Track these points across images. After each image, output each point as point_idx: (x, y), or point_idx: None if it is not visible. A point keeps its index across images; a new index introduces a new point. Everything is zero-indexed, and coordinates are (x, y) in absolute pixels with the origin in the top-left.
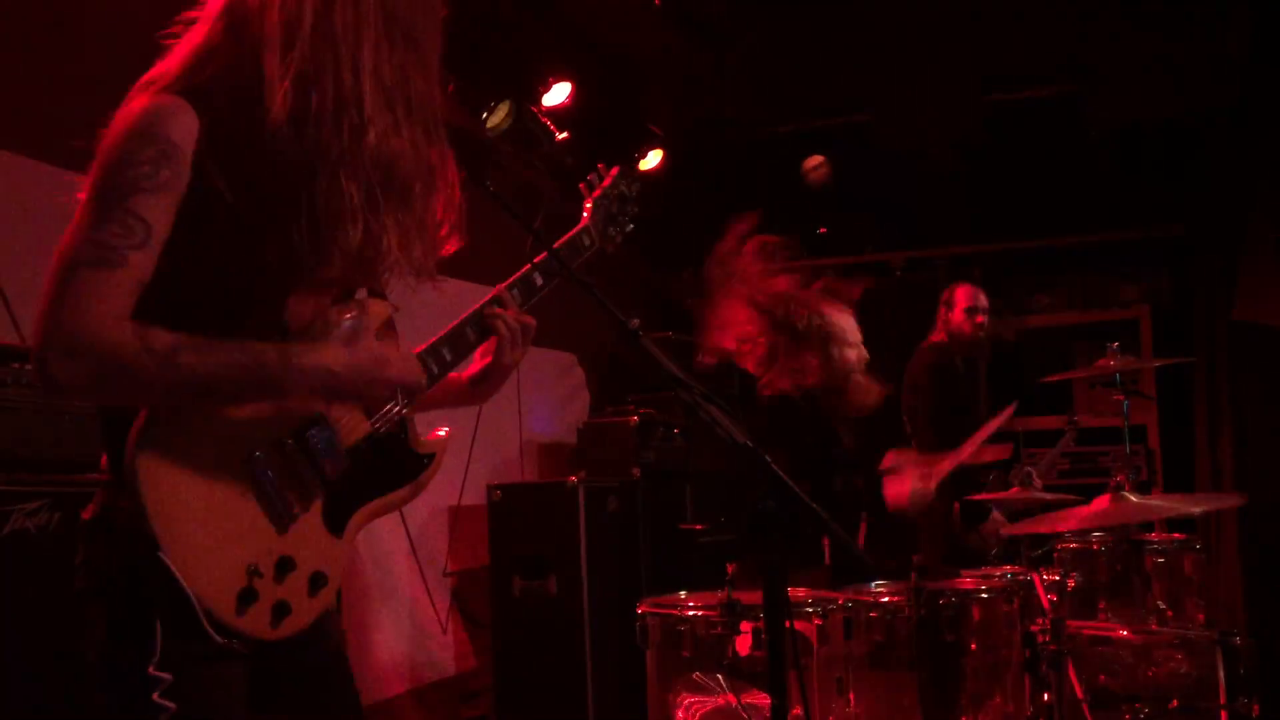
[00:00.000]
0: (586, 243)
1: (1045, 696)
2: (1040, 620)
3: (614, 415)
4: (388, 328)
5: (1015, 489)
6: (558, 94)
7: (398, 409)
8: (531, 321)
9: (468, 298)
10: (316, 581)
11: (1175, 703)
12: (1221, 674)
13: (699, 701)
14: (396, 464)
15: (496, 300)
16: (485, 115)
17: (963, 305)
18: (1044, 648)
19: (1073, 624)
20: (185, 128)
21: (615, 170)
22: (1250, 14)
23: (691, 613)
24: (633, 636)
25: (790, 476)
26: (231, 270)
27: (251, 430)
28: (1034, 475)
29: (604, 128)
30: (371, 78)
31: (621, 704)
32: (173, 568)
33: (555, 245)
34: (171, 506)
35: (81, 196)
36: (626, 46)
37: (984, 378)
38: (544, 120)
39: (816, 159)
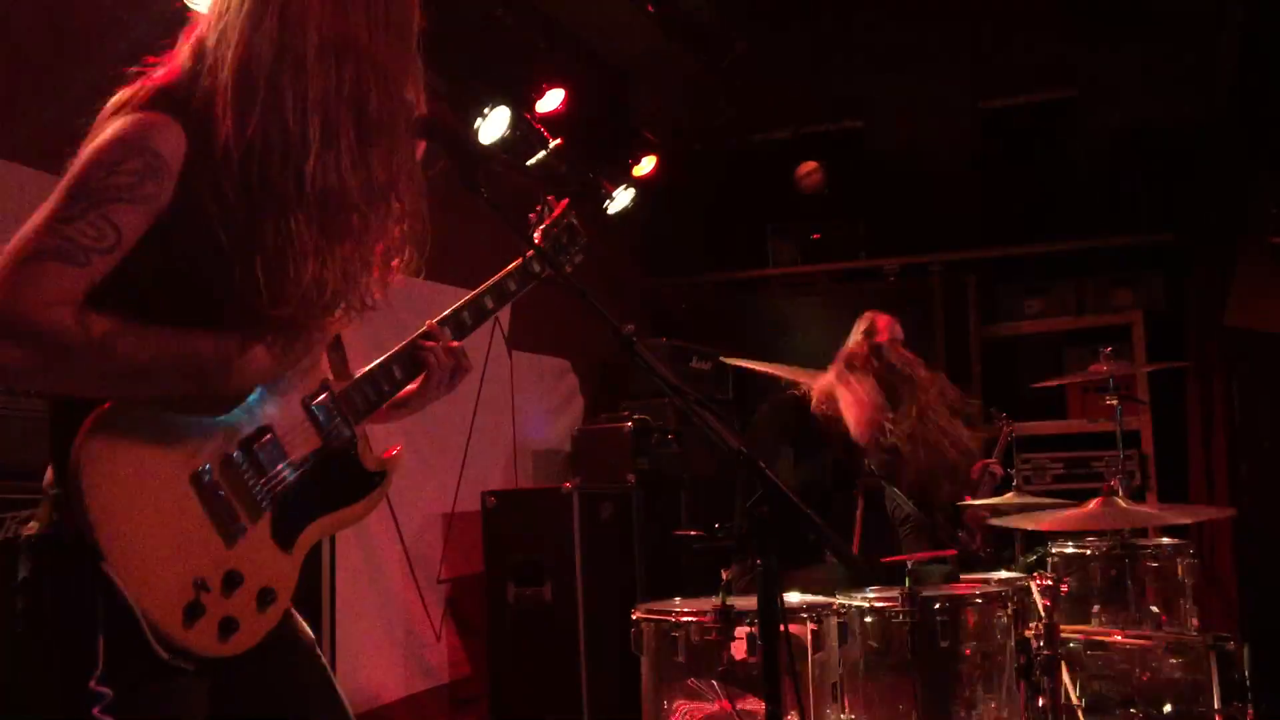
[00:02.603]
0: (536, 269)
1: (1039, 702)
2: (1034, 625)
3: (608, 421)
4: (335, 345)
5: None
6: (551, 100)
7: (347, 428)
8: (461, 348)
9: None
10: (265, 597)
11: (1169, 707)
12: (1215, 678)
13: (694, 708)
14: (348, 480)
15: (428, 334)
16: (479, 122)
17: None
18: (1038, 653)
19: (1066, 629)
20: (174, 145)
21: (564, 202)
22: (1242, 23)
23: (686, 619)
24: (628, 643)
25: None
26: (207, 285)
27: (199, 442)
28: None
29: (598, 134)
30: (318, 113)
31: (617, 710)
32: (116, 580)
33: (500, 275)
34: (116, 517)
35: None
36: (620, 53)
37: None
38: (538, 127)
39: (810, 165)
